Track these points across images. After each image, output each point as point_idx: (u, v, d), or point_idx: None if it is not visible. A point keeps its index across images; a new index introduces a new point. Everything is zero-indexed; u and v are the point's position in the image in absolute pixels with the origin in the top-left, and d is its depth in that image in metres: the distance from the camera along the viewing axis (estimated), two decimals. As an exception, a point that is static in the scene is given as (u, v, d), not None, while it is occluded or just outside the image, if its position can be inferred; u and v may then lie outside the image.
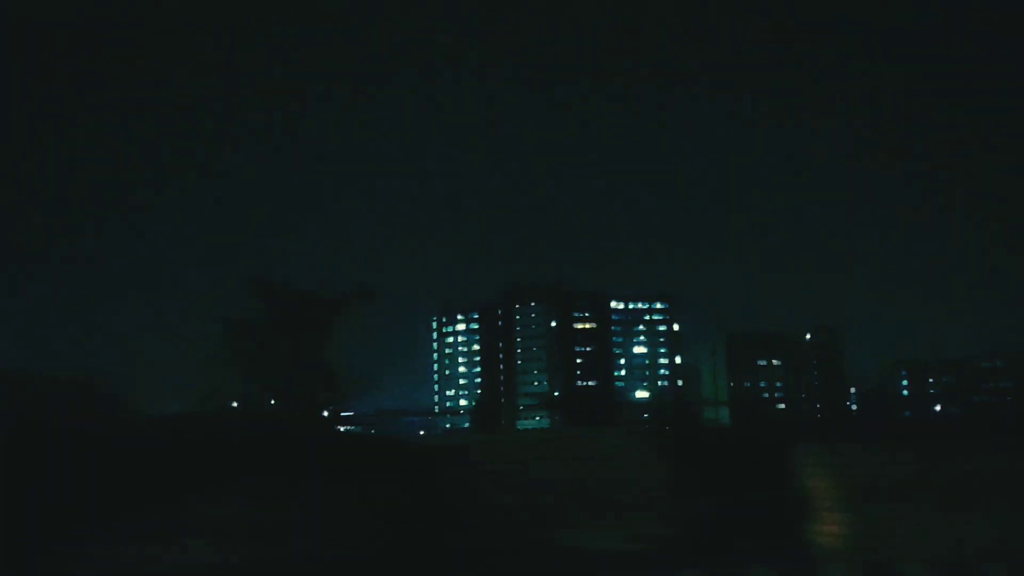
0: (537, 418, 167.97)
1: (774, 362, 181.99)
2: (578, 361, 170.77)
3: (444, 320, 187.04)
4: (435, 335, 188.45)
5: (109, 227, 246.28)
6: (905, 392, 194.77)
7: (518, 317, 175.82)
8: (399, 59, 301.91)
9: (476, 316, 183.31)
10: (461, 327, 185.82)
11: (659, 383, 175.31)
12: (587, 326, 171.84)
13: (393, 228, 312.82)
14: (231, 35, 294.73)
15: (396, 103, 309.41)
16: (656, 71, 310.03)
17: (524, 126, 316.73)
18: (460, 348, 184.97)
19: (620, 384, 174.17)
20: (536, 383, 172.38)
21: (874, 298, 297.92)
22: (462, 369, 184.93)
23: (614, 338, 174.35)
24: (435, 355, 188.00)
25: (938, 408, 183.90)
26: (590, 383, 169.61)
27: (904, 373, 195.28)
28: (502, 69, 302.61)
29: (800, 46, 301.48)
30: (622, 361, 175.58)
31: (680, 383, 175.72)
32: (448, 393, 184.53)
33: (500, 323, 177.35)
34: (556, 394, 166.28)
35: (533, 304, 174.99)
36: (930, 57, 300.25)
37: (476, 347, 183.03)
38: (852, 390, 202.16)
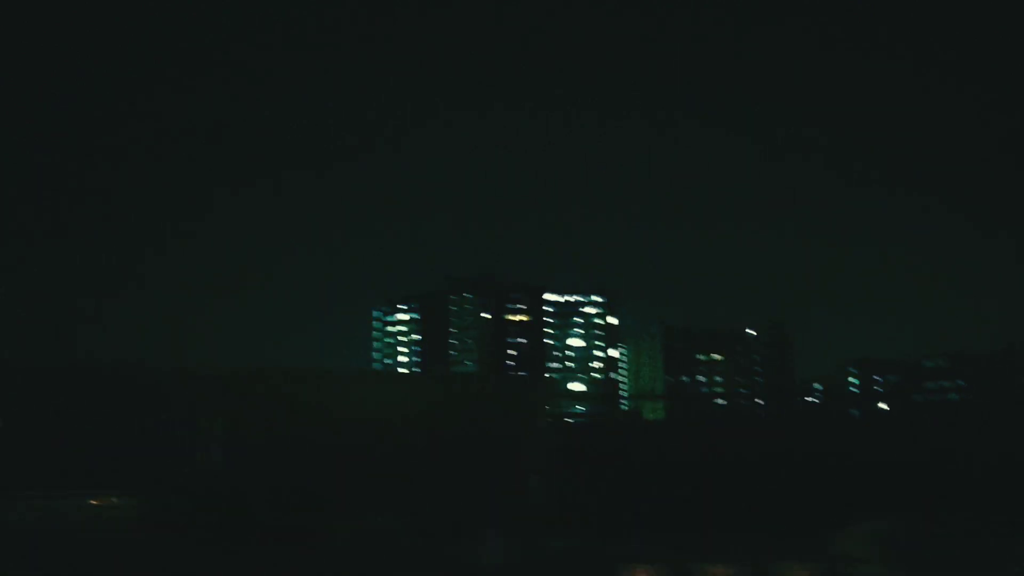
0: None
1: (715, 357, 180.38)
2: (511, 353, 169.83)
3: (385, 311, 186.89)
4: (377, 325, 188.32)
5: None
6: (855, 390, 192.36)
7: (453, 308, 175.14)
8: (334, 55, 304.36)
9: (415, 307, 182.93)
10: (403, 317, 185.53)
11: (594, 376, 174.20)
12: (520, 318, 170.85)
13: (335, 220, 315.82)
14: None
15: (338, 97, 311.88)
16: (594, 62, 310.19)
17: (464, 117, 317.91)
18: (400, 339, 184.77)
19: (556, 376, 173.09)
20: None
21: (823, 295, 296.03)
22: (403, 359, 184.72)
23: (550, 330, 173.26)
24: (378, 346, 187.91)
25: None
26: (522, 375, 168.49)
27: (854, 371, 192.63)
28: (442, 59, 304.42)
29: (741, 43, 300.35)
30: (557, 354, 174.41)
31: (614, 376, 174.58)
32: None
33: (435, 314, 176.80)
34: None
35: (468, 296, 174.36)
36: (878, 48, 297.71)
37: (416, 337, 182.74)
38: (818, 386, 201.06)
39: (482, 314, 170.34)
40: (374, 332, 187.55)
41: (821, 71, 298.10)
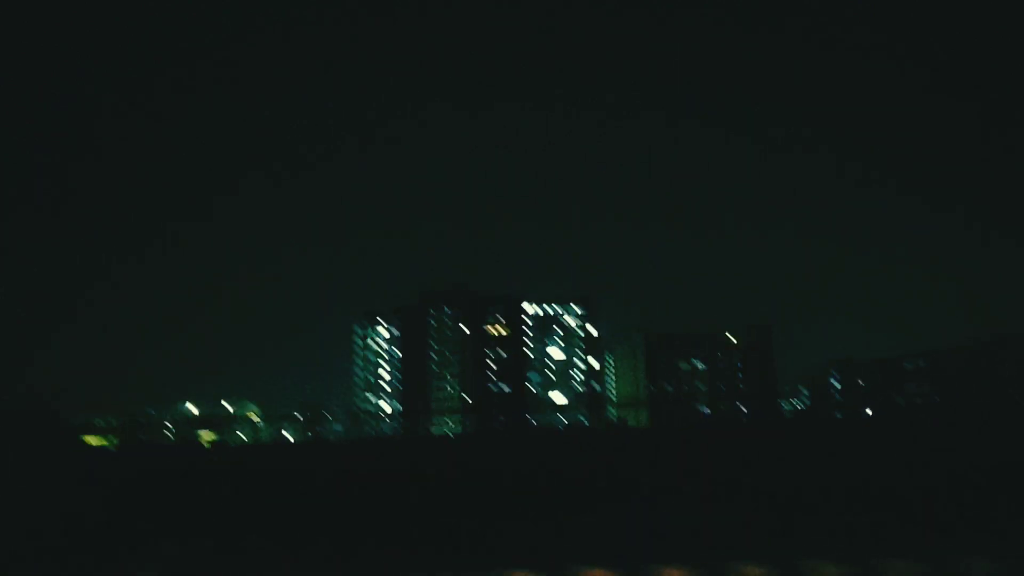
0: (450, 423, 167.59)
1: (697, 364, 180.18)
2: (492, 366, 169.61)
3: (365, 326, 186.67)
4: (358, 342, 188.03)
5: None
6: (838, 395, 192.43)
7: (432, 323, 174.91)
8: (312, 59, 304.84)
9: (395, 322, 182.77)
10: (383, 332, 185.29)
11: (576, 386, 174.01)
12: (500, 331, 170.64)
13: (330, 225, 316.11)
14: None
15: (338, 97, 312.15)
16: (594, 62, 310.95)
17: (464, 117, 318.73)
18: (382, 354, 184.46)
19: (537, 388, 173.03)
20: (450, 388, 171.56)
21: (803, 297, 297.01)
22: (386, 376, 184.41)
23: (530, 341, 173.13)
24: (359, 361, 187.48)
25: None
26: (504, 388, 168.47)
27: (835, 373, 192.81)
28: (442, 59, 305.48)
29: (707, 42, 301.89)
30: (538, 365, 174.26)
31: (597, 386, 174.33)
32: (370, 398, 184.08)
33: (414, 329, 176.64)
34: (466, 399, 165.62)
35: (447, 309, 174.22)
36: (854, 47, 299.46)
37: (398, 353, 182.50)
38: (804, 389, 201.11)
39: (461, 327, 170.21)
40: (355, 348, 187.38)
41: (821, 71, 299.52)
